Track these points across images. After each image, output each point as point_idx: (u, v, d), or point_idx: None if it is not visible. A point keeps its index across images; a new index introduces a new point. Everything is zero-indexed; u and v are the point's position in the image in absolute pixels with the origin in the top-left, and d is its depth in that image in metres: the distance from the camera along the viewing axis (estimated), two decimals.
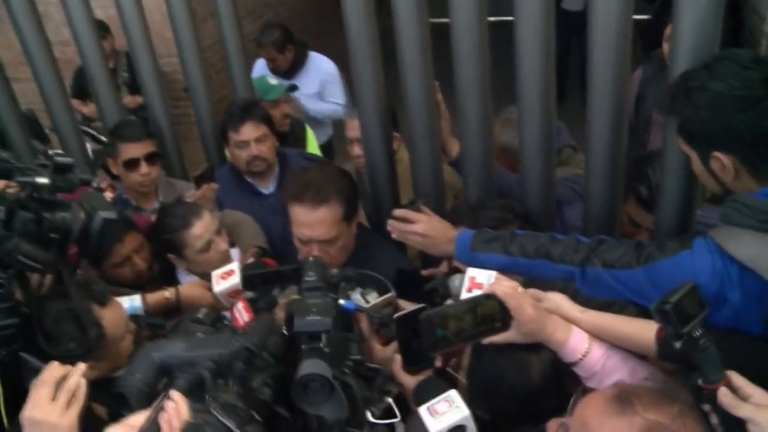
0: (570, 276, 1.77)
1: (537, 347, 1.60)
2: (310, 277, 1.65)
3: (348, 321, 1.71)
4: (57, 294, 1.92)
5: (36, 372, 1.51)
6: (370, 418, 1.43)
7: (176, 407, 1.23)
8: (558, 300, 1.65)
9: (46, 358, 1.65)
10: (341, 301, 1.62)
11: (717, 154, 1.60)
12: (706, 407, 1.33)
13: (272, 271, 1.89)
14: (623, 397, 1.29)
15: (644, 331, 1.55)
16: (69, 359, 1.77)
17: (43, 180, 1.75)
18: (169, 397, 1.26)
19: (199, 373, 1.34)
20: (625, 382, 1.51)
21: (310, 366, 1.32)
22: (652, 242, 1.71)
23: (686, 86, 1.65)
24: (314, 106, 4.61)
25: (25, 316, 1.81)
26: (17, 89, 3.14)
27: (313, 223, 2.17)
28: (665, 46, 3.13)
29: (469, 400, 1.60)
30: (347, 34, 2.32)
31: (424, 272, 2.29)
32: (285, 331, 1.60)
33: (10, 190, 1.79)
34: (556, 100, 2.13)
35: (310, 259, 1.73)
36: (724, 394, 1.30)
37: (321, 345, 1.40)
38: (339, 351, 1.47)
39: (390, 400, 1.50)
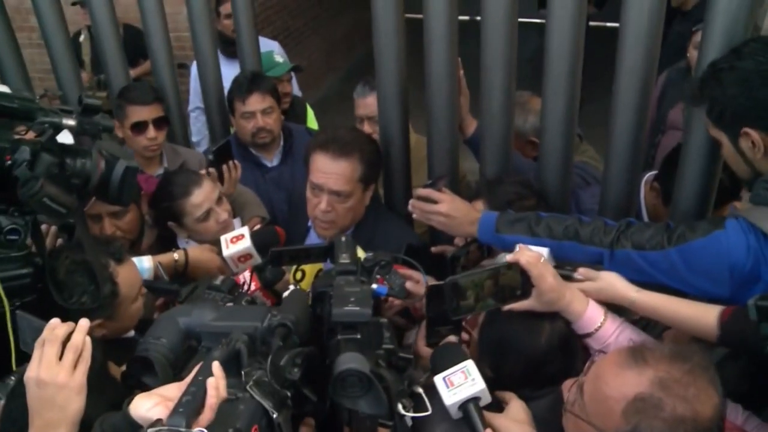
0: (598, 258, 1.78)
1: (552, 316, 1.62)
2: (344, 259, 1.61)
3: (378, 305, 1.67)
4: (73, 246, 1.89)
5: (36, 331, 1.43)
6: (402, 411, 1.39)
7: (216, 383, 1.14)
8: (611, 279, 1.67)
9: (58, 313, 1.61)
10: (374, 286, 1.58)
11: (747, 130, 1.64)
12: None
13: (300, 249, 1.86)
14: (637, 352, 1.32)
15: (704, 314, 1.58)
16: (80, 313, 1.74)
17: (69, 122, 1.70)
18: (207, 371, 1.17)
19: (235, 347, 1.26)
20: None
21: (348, 360, 1.28)
22: (682, 224, 1.73)
23: (715, 69, 1.71)
24: None
25: (38, 266, 1.76)
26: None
27: (331, 171, 2.19)
28: (692, 53, 3.28)
29: (478, 357, 1.62)
30: (372, 6, 2.32)
31: (434, 249, 2.30)
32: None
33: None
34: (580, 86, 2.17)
35: (342, 238, 1.70)
36: None
37: (357, 335, 1.36)
38: (372, 339, 1.43)
39: (421, 391, 1.46)
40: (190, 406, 1.09)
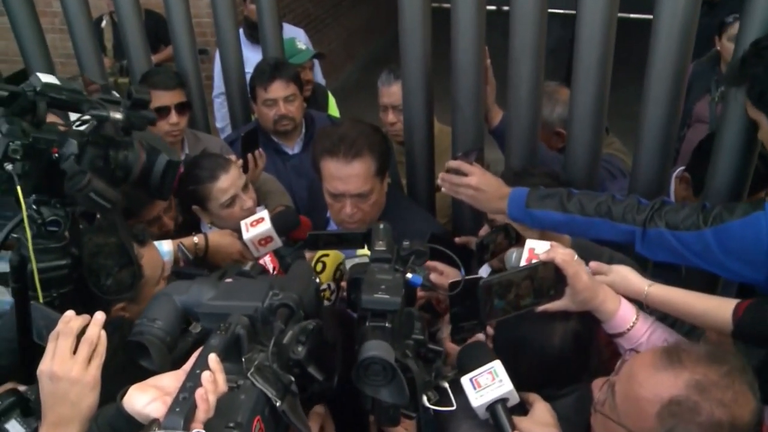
0: (629, 236, 1.73)
1: (563, 316, 1.59)
2: (380, 246, 1.56)
3: (412, 295, 1.63)
4: (96, 229, 1.88)
5: (51, 323, 1.38)
6: (426, 403, 1.37)
7: (213, 379, 1.07)
8: (624, 272, 1.63)
9: (88, 306, 1.59)
10: (408, 275, 1.53)
11: None
12: None
13: (336, 233, 1.84)
14: (672, 353, 1.28)
15: (718, 308, 1.54)
16: (107, 297, 1.74)
17: (117, 115, 1.67)
18: (204, 363, 1.10)
19: (235, 333, 1.20)
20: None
21: (373, 348, 1.24)
22: (719, 204, 1.68)
23: (758, 48, 1.67)
24: None
25: (75, 257, 1.74)
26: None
27: (347, 176, 2.13)
28: (725, 45, 3.29)
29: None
30: None
31: (458, 240, 2.27)
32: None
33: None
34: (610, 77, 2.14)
35: (381, 225, 1.65)
36: None
37: (386, 324, 1.32)
38: (402, 328, 1.40)
39: (447, 386, 1.43)
40: (186, 404, 1.03)
